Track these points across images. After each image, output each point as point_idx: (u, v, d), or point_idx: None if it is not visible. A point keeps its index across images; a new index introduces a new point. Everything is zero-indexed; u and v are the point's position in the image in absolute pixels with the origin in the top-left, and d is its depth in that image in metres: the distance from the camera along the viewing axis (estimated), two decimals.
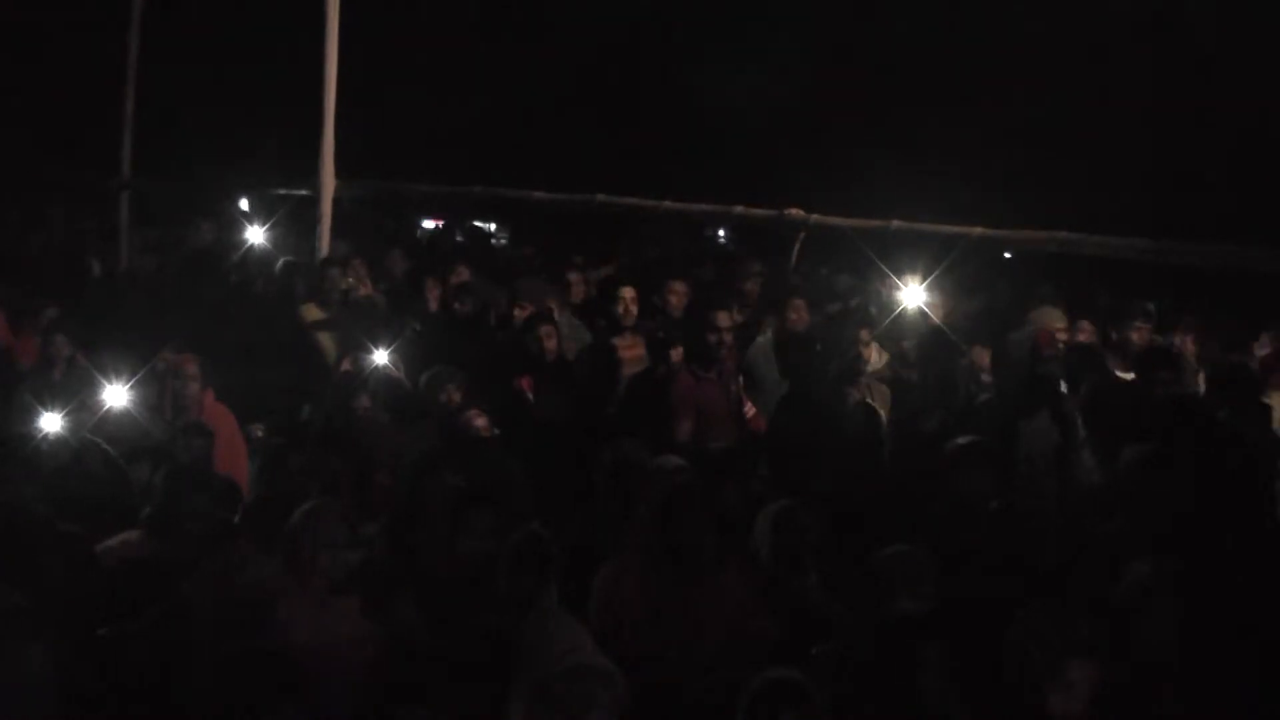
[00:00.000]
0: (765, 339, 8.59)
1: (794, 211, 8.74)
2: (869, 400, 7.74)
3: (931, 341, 8.32)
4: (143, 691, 4.60)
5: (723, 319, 7.93)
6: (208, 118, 16.12)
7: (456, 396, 7.52)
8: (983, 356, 7.99)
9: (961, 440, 6.29)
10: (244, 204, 14.84)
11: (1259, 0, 12.18)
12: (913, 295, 8.59)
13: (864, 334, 8.04)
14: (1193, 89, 12.87)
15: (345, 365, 8.23)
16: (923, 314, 8.54)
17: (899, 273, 8.95)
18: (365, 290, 10.39)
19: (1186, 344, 9.05)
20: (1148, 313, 8.20)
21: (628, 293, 8.92)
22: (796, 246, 9.22)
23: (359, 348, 8.34)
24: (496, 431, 7.04)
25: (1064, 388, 7.43)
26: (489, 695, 4.53)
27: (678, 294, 9.30)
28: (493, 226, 18.75)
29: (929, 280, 8.63)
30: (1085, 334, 8.53)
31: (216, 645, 4.70)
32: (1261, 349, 9.04)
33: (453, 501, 5.75)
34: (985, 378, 7.91)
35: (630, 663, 4.66)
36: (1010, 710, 4.43)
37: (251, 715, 4.39)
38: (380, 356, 8.11)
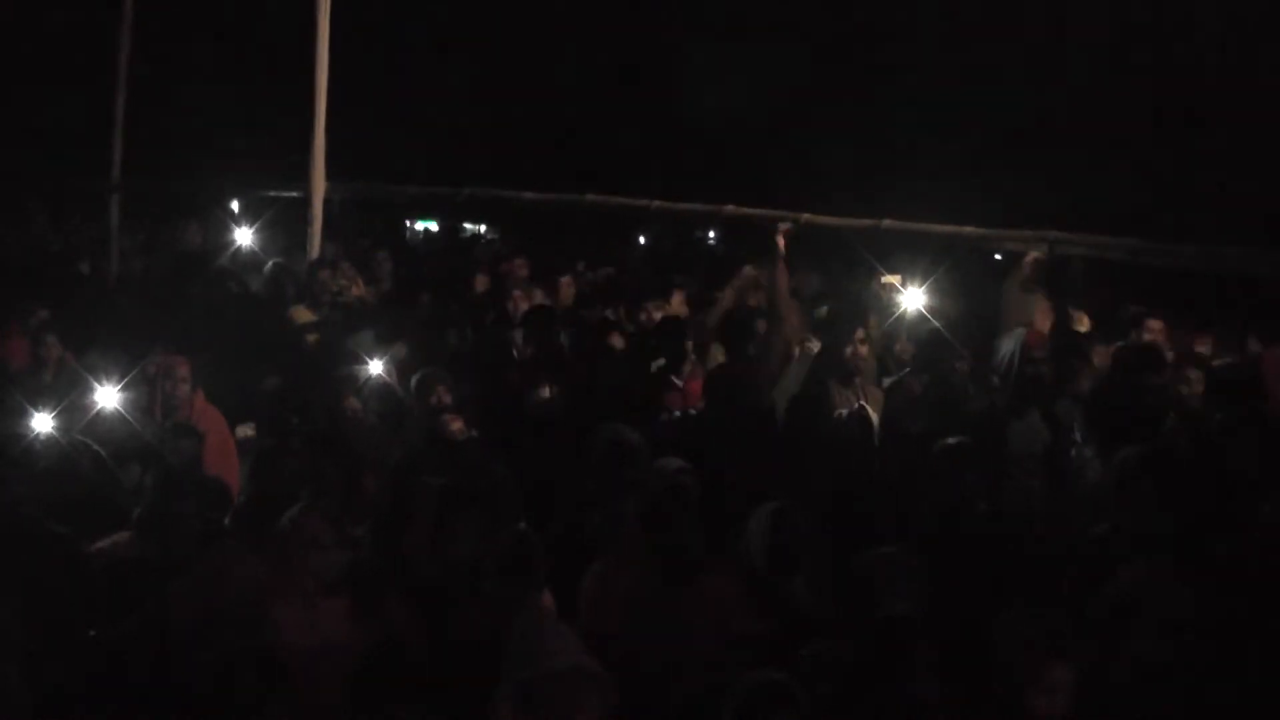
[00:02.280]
0: None
1: (785, 224, 8.84)
2: (862, 402, 7.74)
3: (929, 344, 8.33)
4: (133, 692, 4.61)
5: None
6: (199, 120, 16.11)
7: (446, 398, 7.52)
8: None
9: (950, 441, 6.30)
10: (234, 206, 14.82)
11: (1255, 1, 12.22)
12: (912, 298, 8.60)
13: (859, 334, 8.03)
14: (1186, 89, 12.89)
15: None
16: (922, 316, 8.55)
17: (891, 274, 8.96)
18: (356, 291, 10.39)
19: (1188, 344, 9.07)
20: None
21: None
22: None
23: (350, 349, 8.33)
24: (474, 433, 7.04)
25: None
26: (477, 697, 4.53)
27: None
28: (483, 228, 18.79)
29: (927, 282, 8.65)
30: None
31: (206, 646, 4.70)
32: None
33: (440, 503, 5.75)
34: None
35: (618, 664, 4.67)
36: (997, 711, 4.44)
37: (241, 715, 4.40)
38: (374, 362, 8.12)
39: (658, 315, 9.09)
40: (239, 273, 11.06)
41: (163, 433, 7.26)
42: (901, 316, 8.72)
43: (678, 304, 9.76)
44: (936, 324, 8.46)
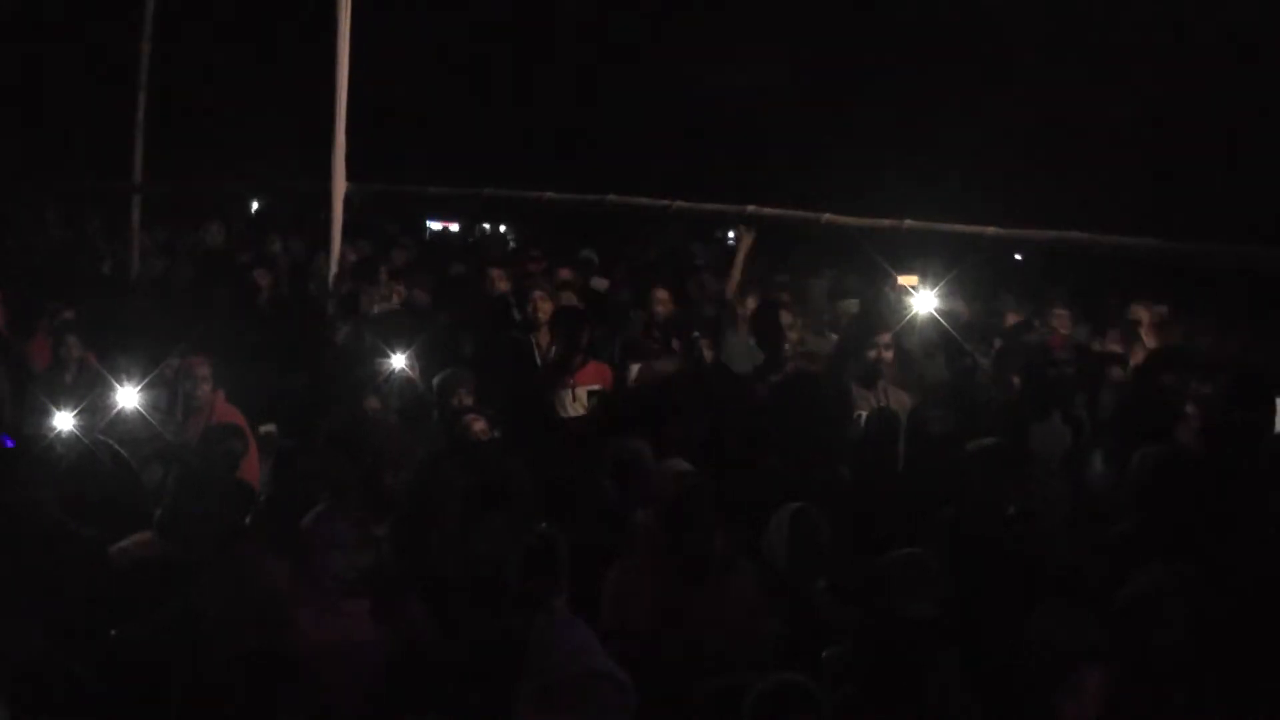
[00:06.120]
0: None
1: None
2: (885, 404, 7.72)
3: (948, 346, 8.32)
4: (153, 692, 4.61)
5: None
6: (219, 120, 16.18)
7: (468, 399, 7.52)
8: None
9: (984, 443, 6.27)
10: (254, 206, 14.88)
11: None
12: (924, 300, 8.56)
13: (883, 337, 8.01)
14: (1205, 87, 12.84)
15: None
16: (934, 320, 8.52)
17: (908, 276, 8.95)
18: (398, 297, 10.45)
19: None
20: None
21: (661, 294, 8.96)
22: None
23: (376, 349, 8.36)
24: (496, 434, 7.05)
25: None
26: (498, 698, 4.52)
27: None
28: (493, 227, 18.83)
29: (940, 285, 8.62)
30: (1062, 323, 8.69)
31: (227, 647, 4.70)
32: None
33: (465, 504, 5.75)
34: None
35: (639, 665, 4.65)
36: (1020, 714, 4.42)
37: (261, 717, 4.40)
38: (396, 358, 8.13)
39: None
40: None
41: (209, 432, 7.28)
42: (914, 319, 8.69)
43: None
44: (947, 326, 8.44)
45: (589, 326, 8.89)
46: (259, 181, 14.63)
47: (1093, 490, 6.55)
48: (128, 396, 7.55)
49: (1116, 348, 8.85)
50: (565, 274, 10.83)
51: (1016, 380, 7.82)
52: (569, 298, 10.16)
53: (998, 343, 8.38)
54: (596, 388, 8.25)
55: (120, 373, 7.74)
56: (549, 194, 10.73)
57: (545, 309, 9.20)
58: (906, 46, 14.94)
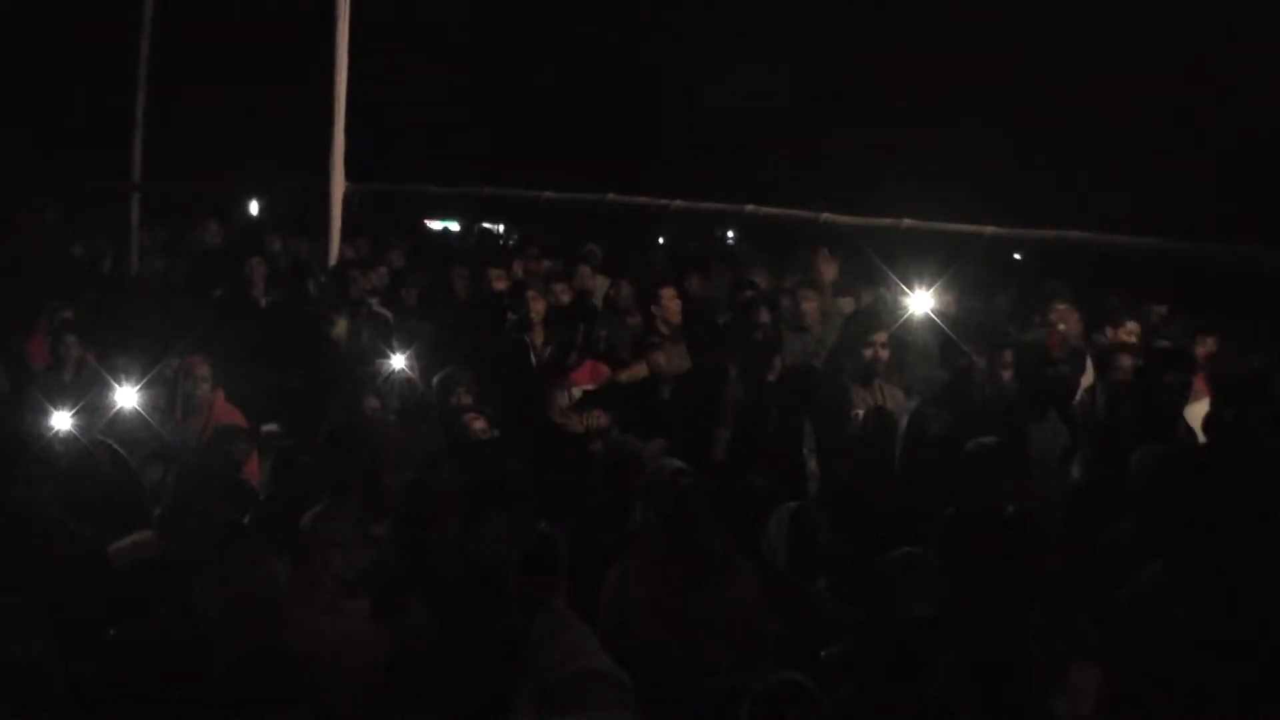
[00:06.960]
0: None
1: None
2: (881, 402, 7.73)
3: (945, 345, 8.31)
4: (153, 691, 4.61)
5: None
6: (219, 120, 16.16)
7: (467, 399, 7.53)
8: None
9: (983, 441, 6.27)
10: (254, 206, 14.86)
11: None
12: (920, 301, 8.56)
13: (880, 336, 8.02)
14: (1205, 87, 12.83)
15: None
16: (930, 320, 8.51)
17: (904, 276, 8.94)
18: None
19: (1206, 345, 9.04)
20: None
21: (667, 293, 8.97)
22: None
23: (375, 349, 8.36)
24: (495, 433, 7.05)
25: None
26: (498, 698, 4.53)
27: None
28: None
29: (936, 285, 8.60)
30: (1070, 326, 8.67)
31: (226, 646, 4.71)
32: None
33: (466, 503, 5.76)
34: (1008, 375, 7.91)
35: (638, 665, 4.66)
36: (1018, 713, 4.43)
37: (260, 716, 4.40)
38: (396, 358, 8.14)
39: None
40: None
41: (217, 433, 7.28)
42: (909, 320, 8.69)
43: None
44: (944, 326, 8.44)
45: (583, 325, 8.91)
46: (259, 181, 14.62)
47: (1092, 490, 6.55)
48: (127, 396, 7.55)
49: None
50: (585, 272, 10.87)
51: (1008, 375, 7.82)
52: (564, 291, 10.17)
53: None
54: (592, 387, 8.25)
55: (120, 372, 7.74)
56: (549, 194, 10.73)
57: (538, 308, 9.20)
58: (905, 46, 14.93)
